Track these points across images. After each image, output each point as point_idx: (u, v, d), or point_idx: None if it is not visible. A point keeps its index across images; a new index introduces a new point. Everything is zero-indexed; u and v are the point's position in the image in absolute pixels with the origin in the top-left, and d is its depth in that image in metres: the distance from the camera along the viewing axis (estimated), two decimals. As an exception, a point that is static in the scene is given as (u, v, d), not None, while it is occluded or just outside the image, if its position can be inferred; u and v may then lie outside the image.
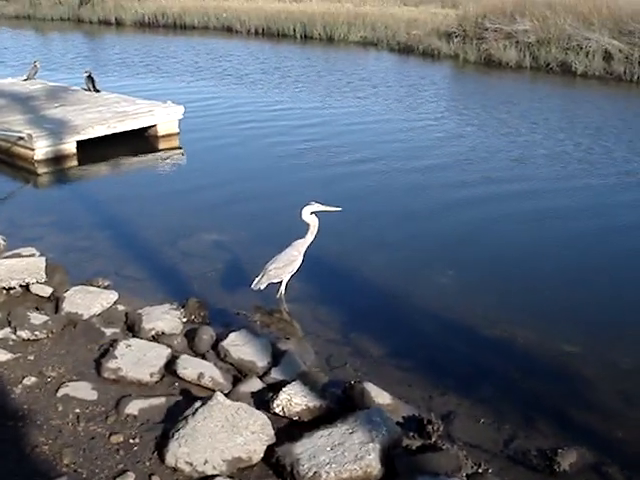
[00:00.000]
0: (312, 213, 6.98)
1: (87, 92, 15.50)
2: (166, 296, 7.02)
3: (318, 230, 7.03)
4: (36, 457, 4.52)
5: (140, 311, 6.42)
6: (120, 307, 6.65)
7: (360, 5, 32.31)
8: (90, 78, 15.67)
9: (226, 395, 5.03)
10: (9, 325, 6.07)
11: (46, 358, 5.71)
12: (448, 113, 16.81)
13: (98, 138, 12.66)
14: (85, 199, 10.67)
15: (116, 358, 5.58)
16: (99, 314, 6.46)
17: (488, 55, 23.40)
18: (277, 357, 5.87)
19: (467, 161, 12.51)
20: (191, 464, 4.39)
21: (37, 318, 6.16)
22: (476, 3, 26.08)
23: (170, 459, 4.44)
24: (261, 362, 5.76)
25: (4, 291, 6.76)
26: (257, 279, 7.00)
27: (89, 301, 6.54)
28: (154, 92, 17.00)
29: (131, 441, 4.70)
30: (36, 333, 5.98)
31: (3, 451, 4.55)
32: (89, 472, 4.39)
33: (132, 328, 6.25)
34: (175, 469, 4.42)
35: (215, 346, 5.98)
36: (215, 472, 4.37)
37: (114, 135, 12.91)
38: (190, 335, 6.15)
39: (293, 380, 5.32)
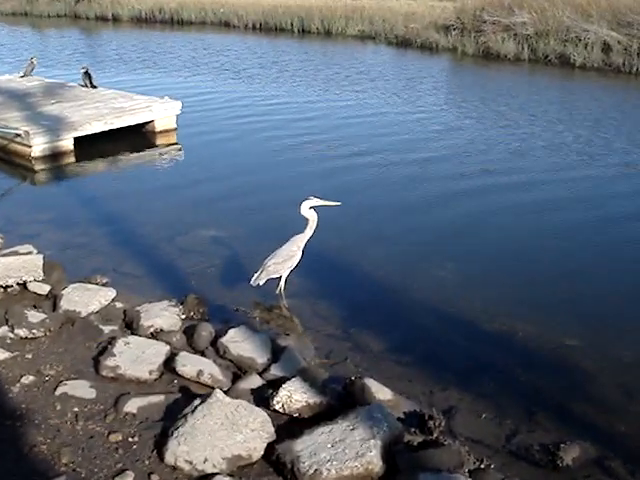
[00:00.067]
0: (311, 208, 6.94)
1: (84, 88, 15.44)
2: (164, 293, 6.98)
3: (317, 225, 6.99)
4: (34, 456, 4.49)
5: (138, 308, 6.38)
6: (118, 304, 6.61)
7: (357, -2, 32.24)
8: (87, 74, 15.60)
9: (225, 392, 4.99)
10: (6, 323, 6.04)
11: (44, 356, 5.67)
12: (446, 106, 16.77)
13: (95, 134, 12.61)
14: (82, 196, 10.62)
15: (114, 356, 5.54)
16: (97, 312, 6.42)
17: (486, 48, 23.34)
18: (277, 353, 5.83)
19: (466, 154, 12.46)
20: (190, 462, 4.35)
21: (35, 316, 6.13)
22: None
23: (169, 458, 4.40)
24: (261, 358, 5.72)
25: (1, 289, 6.72)
26: (256, 275, 6.96)
27: (87, 299, 6.50)
28: (151, 88, 16.94)
29: (130, 440, 4.66)
30: (34, 331, 5.94)
31: (1, 451, 4.52)
32: (88, 471, 4.36)
33: (130, 325, 6.21)
34: (174, 468, 4.38)
35: (214, 343, 5.94)
36: (215, 470, 4.33)
37: (111, 131, 12.85)
38: (189, 332, 6.11)
39: (293, 376, 5.28)
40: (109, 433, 4.71)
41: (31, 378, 5.33)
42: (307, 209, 6.93)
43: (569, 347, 6.30)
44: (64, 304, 6.40)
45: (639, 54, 20.56)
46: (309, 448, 4.40)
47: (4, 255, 7.33)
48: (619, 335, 6.53)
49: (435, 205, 9.89)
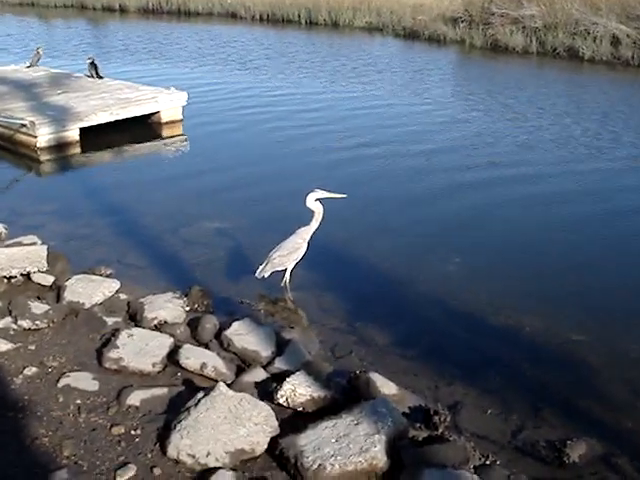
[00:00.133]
0: (316, 200, 6.89)
1: (90, 79, 15.39)
2: (169, 284, 6.95)
3: (323, 217, 6.93)
4: (36, 449, 4.45)
5: (142, 300, 6.34)
6: (122, 296, 6.57)
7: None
8: (93, 65, 15.55)
9: (229, 385, 4.95)
10: (10, 314, 6.00)
11: (47, 348, 5.64)
12: (454, 98, 16.69)
13: (101, 125, 12.56)
14: (88, 187, 10.59)
15: (118, 348, 5.50)
16: (101, 303, 6.38)
17: (494, 40, 23.20)
18: (281, 346, 5.78)
19: (473, 146, 12.40)
20: (193, 456, 4.32)
21: (38, 307, 6.09)
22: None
23: (172, 451, 4.36)
24: (265, 352, 5.68)
25: (5, 280, 6.68)
26: (261, 267, 6.92)
27: (91, 290, 6.46)
28: (158, 78, 16.87)
29: (132, 433, 4.62)
30: (37, 322, 5.91)
31: (3, 442, 4.49)
32: (90, 464, 4.32)
33: (134, 317, 6.17)
34: (177, 461, 4.34)
35: (218, 335, 5.90)
36: (218, 464, 4.29)
37: (117, 122, 12.80)
38: (193, 324, 6.07)
39: (297, 370, 5.24)
40: (111, 426, 4.68)
41: (34, 370, 5.29)
42: (313, 201, 6.88)
43: (576, 342, 6.24)
44: (68, 295, 6.36)
45: (648, 47, 20.42)
46: (313, 443, 4.35)
47: (8, 246, 7.30)
48: (627, 330, 6.48)
49: (441, 197, 9.83)
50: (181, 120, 13.90)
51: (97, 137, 12.41)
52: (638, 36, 20.68)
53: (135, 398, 4.96)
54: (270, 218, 8.86)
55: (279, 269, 6.97)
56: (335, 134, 12.98)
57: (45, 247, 7.16)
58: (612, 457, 4.78)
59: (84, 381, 5.17)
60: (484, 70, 21.39)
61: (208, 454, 4.31)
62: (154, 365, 5.37)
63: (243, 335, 5.83)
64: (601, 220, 9.13)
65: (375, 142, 12.50)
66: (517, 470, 4.52)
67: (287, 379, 5.02)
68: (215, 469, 4.24)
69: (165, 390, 5.08)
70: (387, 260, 7.83)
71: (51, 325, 5.94)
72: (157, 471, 4.28)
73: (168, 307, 6.22)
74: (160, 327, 5.99)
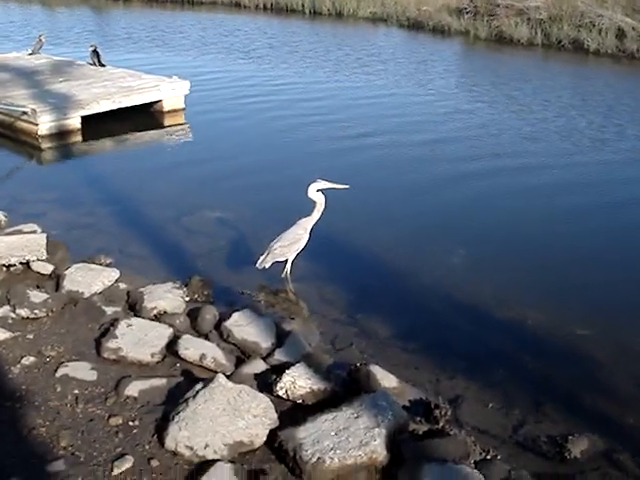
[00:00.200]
0: (318, 190, 6.84)
1: (92, 67, 15.29)
2: (169, 274, 6.91)
3: (324, 208, 6.88)
4: (33, 439, 4.42)
5: (142, 289, 6.29)
6: (122, 285, 6.53)
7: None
8: (95, 52, 15.46)
9: (228, 377, 4.91)
10: (8, 303, 5.97)
11: (45, 337, 5.60)
12: (458, 89, 16.59)
13: (103, 113, 12.48)
14: (89, 175, 10.53)
15: (117, 338, 5.46)
16: (100, 292, 6.34)
17: (499, 32, 23.05)
18: (281, 338, 5.74)
19: (477, 137, 12.33)
20: (191, 448, 4.28)
21: (37, 296, 6.05)
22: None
23: (170, 443, 4.33)
24: (265, 343, 5.64)
25: (4, 268, 6.63)
26: (262, 258, 6.87)
27: (90, 279, 6.42)
28: (160, 67, 16.78)
29: (130, 424, 4.59)
30: (36, 311, 5.86)
31: (0, 432, 4.46)
32: (87, 455, 4.29)
33: (133, 307, 6.13)
34: (175, 453, 4.31)
35: (218, 326, 5.86)
36: (216, 456, 4.26)
37: (119, 110, 12.72)
38: (193, 314, 6.02)
39: (297, 362, 5.20)
40: (109, 416, 4.64)
41: (32, 359, 5.26)
42: (314, 192, 6.83)
43: (579, 336, 6.19)
44: (67, 284, 6.32)
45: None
46: (312, 436, 4.31)
47: (8, 234, 7.25)
48: (632, 324, 6.44)
49: (445, 188, 9.77)
50: (183, 109, 13.82)
51: (99, 125, 12.33)
52: (644, 29, 20.55)
53: (133, 389, 4.92)
54: (272, 208, 8.81)
55: (280, 260, 6.92)
56: (338, 124, 12.91)
57: (44, 235, 7.12)
58: (614, 453, 4.74)
59: (82, 371, 5.14)
60: (488, 61, 21.28)
61: (206, 446, 4.28)
62: (153, 355, 5.34)
63: (243, 326, 5.78)
64: (606, 212, 9.07)
65: (378, 132, 12.43)
66: (518, 465, 4.49)
67: (287, 371, 4.98)
68: (213, 461, 4.20)
69: (164, 381, 5.05)
70: (389, 251, 7.79)
71: (50, 314, 5.91)
72: (154, 463, 4.25)
73: (168, 297, 6.18)
74: (159, 317, 5.95)
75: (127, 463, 4.21)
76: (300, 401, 4.88)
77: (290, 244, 6.87)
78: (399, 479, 4.20)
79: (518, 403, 5.25)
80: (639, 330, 6.31)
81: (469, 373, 5.62)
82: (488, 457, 4.50)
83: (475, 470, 4.24)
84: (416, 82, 17.00)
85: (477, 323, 6.45)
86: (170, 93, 13.60)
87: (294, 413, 4.75)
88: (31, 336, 5.60)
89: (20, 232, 7.32)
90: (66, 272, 6.52)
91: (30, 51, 16.77)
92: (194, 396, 4.55)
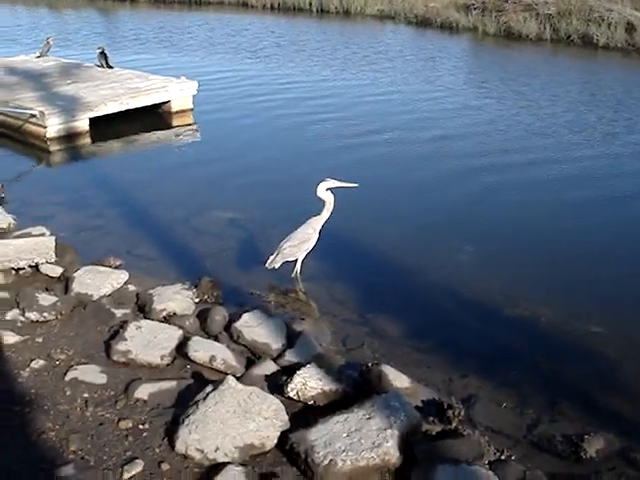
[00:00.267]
0: (328, 189, 6.80)
1: (100, 68, 15.29)
2: (178, 275, 6.88)
3: (334, 207, 6.83)
4: (43, 443, 4.39)
5: (151, 291, 6.25)
6: (131, 287, 6.49)
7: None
8: (103, 54, 15.45)
9: (239, 378, 4.87)
10: (17, 306, 5.93)
11: (55, 340, 5.57)
12: (466, 86, 16.51)
13: (111, 115, 12.47)
14: (97, 177, 10.51)
15: (126, 340, 5.42)
16: (109, 295, 6.31)
17: (508, 27, 22.93)
18: (292, 338, 5.69)
19: (485, 133, 12.27)
20: (202, 451, 4.24)
21: (46, 299, 6.02)
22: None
23: (180, 446, 4.29)
24: (275, 344, 5.59)
25: (13, 271, 6.61)
26: (271, 258, 6.83)
27: (99, 281, 6.38)
28: (168, 67, 16.79)
29: (140, 427, 4.55)
30: (45, 314, 5.84)
31: (10, 437, 4.43)
32: (97, 459, 4.25)
33: (143, 309, 6.09)
34: (185, 456, 4.27)
35: (228, 327, 5.81)
36: (227, 459, 4.21)
37: (127, 112, 12.71)
38: (202, 316, 5.98)
39: (308, 362, 5.14)
40: (119, 420, 4.61)
41: (41, 362, 5.23)
42: (324, 191, 6.79)
43: (593, 333, 6.13)
44: (76, 287, 6.28)
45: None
46: (324, 437, 4.26)
47: (16, 237, 7.23)
48: (645, 320, 6.36)
49: (453, 185, 9.72)
50: (192, 109, 13.80)
51: (107, 127, 12.33)
52: (653, 22, 20.41)
53: (143, 391, 4.88)
54: (281, 207, 8.78)
55: (290, 259, 6.88)
56: (346, 121, 12.88)
57: (53, 238, 7.08)
58: (631, 452, 4.67)
59: (92, 374, 5.10)
60: (497, 57, 21.18)
61: (217, 449, 4.24)
62: (163, 358, 5.29)
63: (253, 327, 5.74)
64: (616, 207, 9.00)
65: (386, 129, 12.38)
66: (533, 465, 4.43)
67: (298, 372, 4.93)
68: (224, 464, 4.16)
69: (174, 383, 5.01)
70: (399, 249, 7.74)
71: (59, 317, 5.87)
72: (165, 466, 4.20)
73: (177, 298, 6.14)
74: (169, 319, 5.91)
75: (137, 467, 4.18)
76: (311, 402, 4.83)
77: (300, 244, 6.83)
78: (412, 481, 4.15)
79: (532, 402, 5.19)
80: (653, 327, 6.23)
81: (482, 372, 5.56)
82: (502, 457, 4.45)
83: (489, 471, 4.19)
84: (424, 79, 16.93)
85: (488, 321, 6.40)
86: (178, 94, 13.58)
87: (305, 415, 4.70)
88: (40, 339, 5.57)
89: (29, 235, 7.30)
90: (75, 275, 6.48)
91: (38, 54, 16.78)
92: (204, 398, 4.50)
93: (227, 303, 6.39)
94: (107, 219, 8.61)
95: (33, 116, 11.82)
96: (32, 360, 5.25)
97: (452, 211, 8.90)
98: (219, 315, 5.90)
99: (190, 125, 13.39)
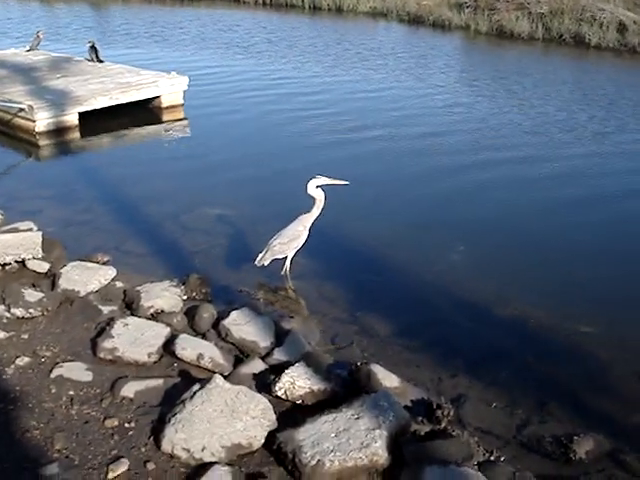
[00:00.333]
0: (318, 187, 6.74)
1: (90, 63, 15.18)
2: (166, 272, 6.82)
3: (324, 204, 6.78)
4: (27, 442, 4.34)
5: (139, 288, 6.20)
6: (118, 284, 6.43)
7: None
8: (93, 48, 15.33)
9: (226, 377, 4.83)
10: (3, 302, 5.86)
11: (40, 337, 5.51)
12: (458, 84, 16.48)
13: (101, 109, 12.38)
14: (86, 172, 10.42)
15: (113, 337, 5.36)
16: (96, 291, 6.25)
17: (500, 26, 22.90)
18: (280, 337, 5.65)
19: (477, 131, 12.25)
20: (188, 450, 4.19)
21: (32, 295, 5.95)
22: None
23: (166, 445, 4.24)
24: (264, 342, 5.55)
25: (-1, 267, 6.55)
26: (261, 255, 6.78)
27: (86, 277, 6.32)
28: (159, 62, 16.66)
29: (126, 425, 4.50)
30: (31, 311, 5.77)
31: (-7, 435, 4.37)
32: (81, 458, 4.20)
33: (130, 306, 6.04)
34: (171, 456, 4.22)
35: (216, 325, 5.76)
36: (213, 459, 4.17)
37: (118, 106, 12.62)
38: (190, 313, 5.93)
39: (297, 361, 5.10)
40: (105, 418, 4.56)
41: (26, 359, 5.18)
42: (314, 188, 6.73)
43: (584, 333, 6.10)
44: (63, 283, 6.22)
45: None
46: (312, 437, 4.22)
47: (3, 232, 7.14)
48: (636, 322, 6.33)
49: (444, 183, 9.69)
50: (182, 104, 13.71)
51: (97, 122, 12.25)
52: (645, 22, 20.42)
53: (129, 389, 4.84)
54: (271, 204, 8.72)
55: (279, 257, 6.83)
56: (338, 118, 12.81)
57: (40, 233, 7.00)
58: (620, 453, 4.65)
59: (77, 371, 5.05)
60: (489, 56, 21.17)
61: (203, 448, 4.19)
62: (149, 355, 5.24)
63: (241, 325, 5.69)
64: (608, 207, 9.00)
65: (378, 126, 12.34)
66: (522, 466, 4.40)
67: (286, 371, 4.89)
68: (210, 464, 4.12)
69: (160, 381, 4.96)
70: (390, 247, 7.69)
71: (45, 313, 5.82)
72: (151, 466, 4.16)
73: (165, 295, 6.08)
74: (156, 316, 5.86)
75: (123, 466, 4.13)
76: (299, 402, 4.79)
77: (289, 241, 6.78)
78: (401, 482, 4.11)
79: (522, 402, 5.16)
80: (644, 328, 6.21)
81: (472, 372, 5.53)
82: (492, 458, 4.42)
83: (478, 472, 4.16)
84: (416, 77, 16.89)
85: (479, 320, 6.36)
86: (169, 89, 13.50)
87: (293, 414, 4.66)
88: (26, 336, 5.51)
89: (16, 230, 7.23)
90: (62, 270, 6.42)
91: (28, 47, 16.66)
92: (191, 397, 4.45)
93: (215, 300, 6.35)
94: (95, 214, 8.53)
95: (22, 110, 11.73)
96: (17, 357, 5.20)
97: (443, 209, 8.87)
98: (207, 313, 5.85)
99: (180, 120, 13.31)
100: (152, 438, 4.37)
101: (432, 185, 9.65)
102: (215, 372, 4.93)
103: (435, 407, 4.80)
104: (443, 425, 4.64)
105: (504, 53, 21.35)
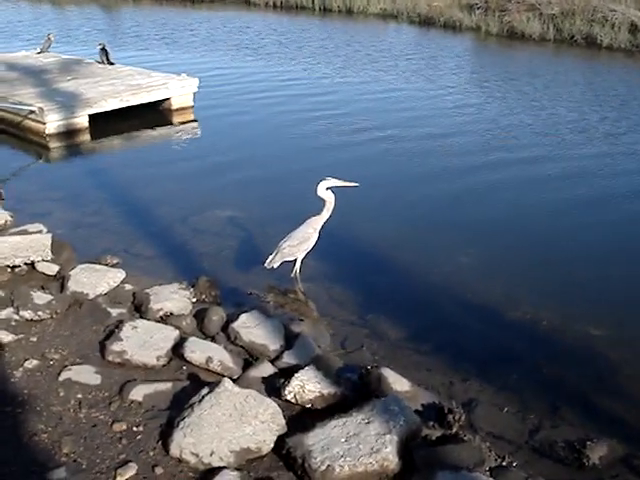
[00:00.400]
0: (328, 189, 6.70)
1: (101, 65, 15.21)
2: (175, 275, 6.80)
3: (334, 206, 6.74)
4: (35, 445, 4.31)
5: (148, 291, 6.17)
6: (127, 286, 6.41)
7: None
8: (104, 50, 15.37)
9: (235, 381, 4.80)
10: (12, 305, 5.85)
11: (49, 340, 5.49)
12: (469, 85, 16.41)
13: (111, 112, 12.39)
14: (96, 174, 10.41)
15: (121, 340, 5.33)
16: (105, 294, 6.23)
17: (511, 27, 22.80)
18: (290, 340, 5.61)
19: (487, 133, 12.17)
20: (197, 455, 4.16)
21: (41, 298, 5.94)
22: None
23: (175, 449, 4.20)
24: (273, 345, 5.51)
25: (8, 269, 6.54)
26: (271, 257, 6.75)
27: (95, 280, 6.30)
28: (169, 64, 16.68)
29: (134, 429, 4.47)
30: (39, 313, 5.75)
31: (1, 439, 4.35)
32: (89, 462, 4.17)
33: (139, 308, 6.01)
34: (180, 460, 4.19)
35: (225, 328, 5.73)
36: (222, 464, 4.13)
37: (128, 108, 12.63)
38: (199, 316, 5.90)
39: (306, 365, 5.06)
40: (113, 422, 4.53)
41: (35, 362, 5.15)
42: (324, 190, 6.69)
43: (596, 336, 6.04)
44: (72, 285, 6.20)
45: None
46: (321, 442, 4.18)
47: (13, 234, 7.14)
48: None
49: (454, 185, 9.62)
50: (192, 106, 13.71)
51: (107, 124, 12.25)
52: (657, 23, 20.30)
53: (138, 393, 4.80)
54: (281, 206, 8.70)
55: (289, 259, 6.80)
56: (348, 120, 12.78)
57: (49, 236, 6.99)
58: (634, 459, 4.59)
59: (86, 375, 5.02)
60: (500, 57, 21.08)
61: (212, 453, 4.15)
62: (158, 358, 5.21)
63: (251, 328, 5.65)
64: (620, 208, 8.92)
65: (388, 128, 12.28)
66: (534, 472, 4.34)
67: (296, 374, 4.84)
68: (219, 469, 4.09)
69: (169, 385, 4.92)
70: (400, 250, 7.65)
71: (54, 316, 5.80)
72: (159, 470, 4.13)
73: (174, 298, 6.05)
74: (165, 319, 5.83)
75: (131, 470, 4.09)
76: (309, 406, 4.75)
77: (299, 243, 6.74)
78: (411, 487, 4.06)
79: (534, 407, 5.10)
80: (658, 330, 6.14)
81: (483, 376, 5.47)
82: (504, 464, 4.37)
83: (490, 478, 4.12)
84: (426, 78, 16.83)
85: (490, 324, 6.30)
86: (179, 91, 13.50)
87: (303, 418, 4.62)
88: (35, 339, 5.49)
89: (26, 232, 7.21)
90: (71, 273, 6.40)
91: (39, 50, 16.71)
92: (200, 401, 4.42)
93: (225, 303, 6.32)
94: (105, 217, 8.52)
95: (32, 112, 11.75)
96: (26, 360, 5.17)
97: (453, 210, 8.82)
98: (216, 315, 5.82)
99: (191, 122, 13.31)
100: (160, 442, 4.33)
101: (442, 186, 9.59)
102: (224, 376, 4.90)
103: (446, 411, 4.74)
104: (454, 430, 4.59)
105: (515, 54, 21.27)
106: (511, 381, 5.44)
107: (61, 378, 4.96)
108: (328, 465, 4.02)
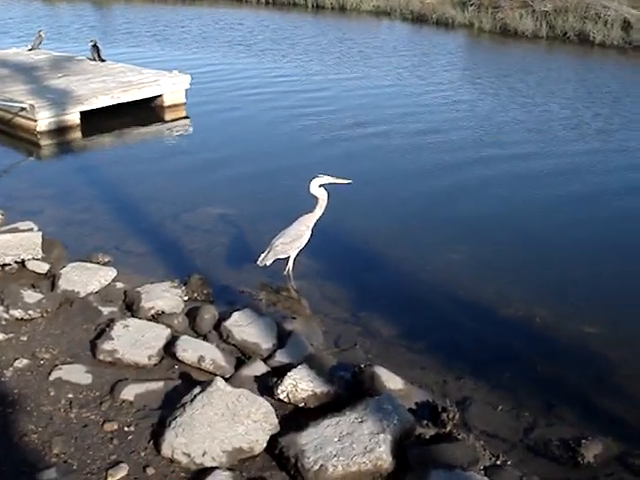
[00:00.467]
0: (321, 186, 6.67)
1: (92, 62, 15.12)
2: (167, 273, 6.76)
3: (327, 204, 6.70)
4: (25, 446, 4.27)
5: (139, 289, 6.12)
6: (119, 284, 6.36)
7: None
8: (95, 47, 15.28)
9: (228, 380, 4.76)
10: (2, 304, 5.79)
11: (40, 339, 5.44)
12: (461, 82, 16.38)
13: (103, 109, 12.31)
14: (88, 171, 10.35)
15: (112, 339, 5.29)
16: (96, 292, 6.18)
17: (504, 24, 22.78)
18: (283, 338, 5.57)
19: (480, 129, 12.18)
20: (188, 455, 4.12)
21: (31, 296, 5.88)
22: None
23: (166, 450, 4.16)
24: (266, 344, 5.47)
25: (-1, 268, 6.48)
26: (263, 255, 6.71)
27: (86, 278, 6.25)
28: (161, 61, 16.60)
29: (126, 429, 4.43)
30: (30, 312, 5.71)
31: (-10, 439, 4.30)
32: (80, 463, 4.13)
33: (130, 307, 5.97)
34: (171, 460, 4.15)
35: (217, 326, 5.69)
36: (214, 464, 4.09)
37: (119, 106, 12.55)
38: (191, 314, 5.86)
39: (299, 363, 5.02)
40: (104, 422, 4.48)
41: (25, 362, 5.11)
42: (317, 187, 6.66)
43: (591, 334, 6.01)
44: (62, 284, 6.15)
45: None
46: (314, 442, 4.14)
47: (3, 232, 7.06)
48: (643, 320, 6.25)
49: (447, 182, 9.61)
50: (184, 103, 13.63)
51: (98, 121, 12.18)
52: (650, 20, 20.30)
53: (129, 392, 4.76)
54: (273, 203, 8.66)
55: (282, 257, 6.76)
56: (341, 116, 12.76)
57: (40, 234, 6.93)
58: (629, 457, 4.56)
59: (77, 374, 4.98)
60: (493, 54, 21.08)
61: (204, 453, 4.11)
62: (150, 357, 5.17)
63: (243, 326, 5.62)
64: (613, 205, 8.92)
65: (380, 124, 12.27)
66: (529, 470, 4.32)
67: (288, 373, 4.81)
68: (211, 469, 4.05)
69: (161, 384, 4.88)
70: (392, 248, 7.62)
71: (44, 315, 5.75)
72: (150, 471, 4.09)
73: (166, 296, 6.01)
74: (157, 317, 5.78)
75: (122, 471, 4.06)
76: (302, 405, 4.71)
77: (292, 241, 6.70)
78: (405, 487, 4.03)
79: (528, 405, 5.08)
80: (652, 328, 6.13)
81: (477, 374, 5.44)
82: (498, 462, 4.34)
83: (485, 476, 4.09)
84: (419, 75, 16.80)
85: (484, 322, 6.28)
86: (171, 88, 13.43)
87: (296, 418, 4.58)
88: (25, 338, 5.45)
89: (16, 230, 7.15)
90: (62, 271, 6.35)
91: (30, 47, 16.60)
92: (192, 400, 4.38)
93: (217, 301, 6.28)
94: (96, 214, 8.46)
95: (23, 109, 11.66)
96: (16, 359, 5.13)
97: (446, 207, 8.79)
98: (208, 314, 5.78)
99: (182, 119, 13.25)
100: (152, 442, 4.29)
101: (435, 183, 9.56)
102: (216, 375, 4.87)
103: (440, 410, 4.71)
104: (448, 428, 4.57)
105: (508, 51, 21.26)
106: (505, 379, 5.41)
107: (52, 377, 4.91)
108: (321, 465, 3.98)
